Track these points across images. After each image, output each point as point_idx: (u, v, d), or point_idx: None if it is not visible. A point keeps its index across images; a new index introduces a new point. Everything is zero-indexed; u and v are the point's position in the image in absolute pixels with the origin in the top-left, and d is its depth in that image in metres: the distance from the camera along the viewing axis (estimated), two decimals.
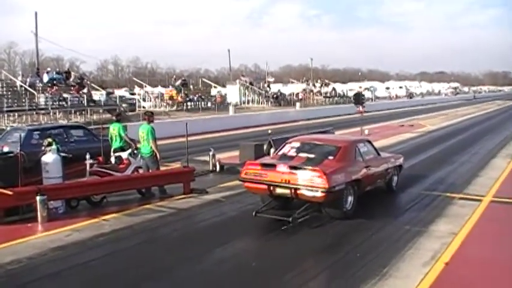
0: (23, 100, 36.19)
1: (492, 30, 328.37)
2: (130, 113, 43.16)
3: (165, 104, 51.58)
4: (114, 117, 16.77)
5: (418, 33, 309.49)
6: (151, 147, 14.23)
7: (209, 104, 54.67)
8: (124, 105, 46.61)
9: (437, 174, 17.30)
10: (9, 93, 37.64)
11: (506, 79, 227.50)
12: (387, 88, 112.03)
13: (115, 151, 15.49)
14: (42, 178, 12.51)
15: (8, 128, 23.18)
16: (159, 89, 57.71)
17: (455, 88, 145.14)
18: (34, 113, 35.73)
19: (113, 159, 15.05)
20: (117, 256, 9.40)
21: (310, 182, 10.66)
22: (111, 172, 13.87)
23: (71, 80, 42.56)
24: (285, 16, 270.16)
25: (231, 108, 49.96)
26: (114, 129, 15.88)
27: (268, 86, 69.50)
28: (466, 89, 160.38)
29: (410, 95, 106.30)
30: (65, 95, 38.20)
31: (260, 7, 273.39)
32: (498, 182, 15.89)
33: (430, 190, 14.64)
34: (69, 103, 37.64)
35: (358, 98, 31.53)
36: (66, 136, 17.64)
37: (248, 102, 61.77)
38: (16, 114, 35.16)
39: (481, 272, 8.48)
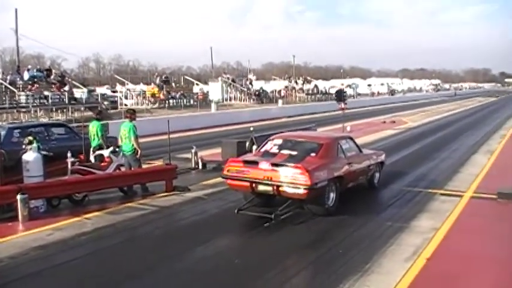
0: (3, 98, 35.78)
1: (473, 27, 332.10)
2: (112, 111, 42.91)
3: (147, 102, 51.32)
4: (94, 115, 16.64)
5: (399, 30, 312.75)
6: (133, 145, 14.18)
7: (191, 102, 54.46)
8: (106, 103, 46.28)
9: (418, 170, 17.42)
10: None
11: (487, 76, 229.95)
12: (369, 85, 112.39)
13: (94, 150, 15.51)
14: (23, 177, 12.43)
15: None
16: (141, 87, 57.39)
17: (436, 85, 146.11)
18: (15, 111, 35.32)
19: (92, 158, 15.01)
20: (99, 255, 9.36)
21: (292, 179, 10.68)
22: (92, 170, 13.79)
23: (52, 77, 42.16)
24: (268, 13, 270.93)
25: (213, 105, 49.83)
26: (93, 127, 15.97)
27: (251, 83, 69.41)
28: (447, 86, 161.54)
29: (391, 92, 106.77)
30: (46, 93, 37.82)
31: (243, 4, 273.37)
32: (478, 178, 16.03)
33: (412, 186, 14.73)
34: (50, 101, 37.27)
35: (340, 95, 31.49)
36: (47, 134, 17.51)
37: (230, 100, 61.63)
38: None
39: (462, 267, 8.56)
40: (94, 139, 15.88)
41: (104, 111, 17.15)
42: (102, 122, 16.30)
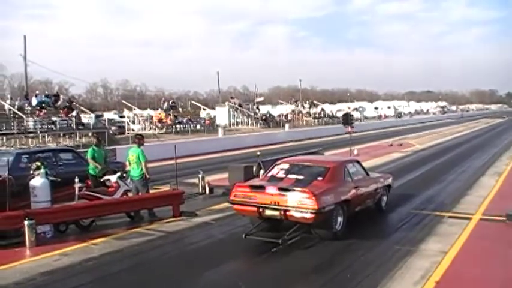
0: (12, 123, 36.04)
1: (477, 48, 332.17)
2: (119, 136, 43.11)
3: (154, 127, 51.54)
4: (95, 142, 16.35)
5: (406, 53, 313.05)
6: (141, 170, 14.22)
7: (198, 126, 54.71)
8: (113, 128, 46.55)
9: (426, 193, 17.35)
10: None
11: (493, 97, 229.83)
12: (376, 108, 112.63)
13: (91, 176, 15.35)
14: (30, 202, 12.45)
15: None
16: (148, 112, 57.77)
17: (443, 107, 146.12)
18: (23, 136, 35.56)
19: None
20: (106, 281, 9.32)
21: (299, 203, 10.66)
22: (100, 196, 13.80)
23: (60, 103, 42.43)
24: (273, 38, 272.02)
25: (220, 130, 49.97)
26: (97, 153, 15.76)
27: (257, 107, 69.68)
28: (453, 107, 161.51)
29: (398, 115, 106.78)
30: (53, 118, 38.10)
31: (248, 29, 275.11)
32: (487, 200, 15.95)
33: (420, 209, 14.67)
34: (58, 126, 37.51)
35: (347, 119, 31.57)
36: (55, 160, 17.53)
37: (237, 124, 61.86)
38: (4, 137, 34.93)
39: None
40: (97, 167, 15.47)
41: (100, 138, 16.74)
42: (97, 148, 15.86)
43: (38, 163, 13.64)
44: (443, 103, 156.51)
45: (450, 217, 13.65)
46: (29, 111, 38.51)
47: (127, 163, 14.81)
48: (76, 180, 14.01)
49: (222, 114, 61.96)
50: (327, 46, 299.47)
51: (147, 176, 14.41)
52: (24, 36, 52.07)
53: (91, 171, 15.39)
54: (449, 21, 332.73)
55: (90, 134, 39.88)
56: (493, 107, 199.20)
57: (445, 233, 12.06)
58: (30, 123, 36.69)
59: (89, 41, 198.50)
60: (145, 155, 14.28)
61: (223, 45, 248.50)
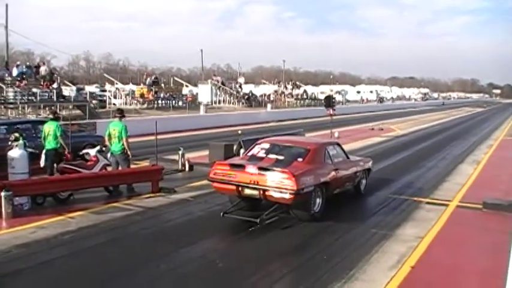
0: None
1: (461, 38, 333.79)
2: (100, 110, 42.77)
3: (135, 102, 51.16)
4: (50, 115, 15.67)
5: (390, 39, 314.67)
6: (122, 145, 14.15)
7: (180, 103, 54.31)
8: (94, 101, 46.12)
9: (405, 178, 17.46)
10: None
11: (475, 86, 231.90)
12: (358, 92, 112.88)
13: (47, 153, 14.41)
14: (7, 173, 12.34)
15: None
16: (130, 87, 57.19)
17: (424, 94, 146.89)
18: (2, 107, 35.14)
19: (42, 162, 14.25)
20: (82, 254, 9.28)
21: (278, 184, 10.66)
22: (78, 169, 13.71)
23: (41, 72, 41.90)
24: (259, 17, 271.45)
25: (202, 107, 49.71)
26: (49, 128, 14.68)
27: (240, 86, 69.40)
28: (435, 95, 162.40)
29: (380, 100, 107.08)
30: (34, 90, 37.61)
31: (234, 7, 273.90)
32: (464, 187, 16.07)
33: (398, 194, 14.76)
34: (38, 98, 37.05)
35: (329, 101, 31.62)
36: (34, 132, 17.37)
37: (219, 102, 61.58)
38: None
39: (446, 276, 8.56)
40: (49, 140, 14.51)
41: (58, 113, 16.08)
42: (59, 123, 15.20)
43: (17, 134, 13.50)
44: (425, 90, 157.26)
45: (428, 203, 13.75)
46: (9, 82, 37.99)
47: (106, 137, 14.65)
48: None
49: (204, 92, 61.55)
50: (312, 28, 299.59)
51: (129, 153, 14.34)
52: (6, 5, 51.24)
53: (55, 146, 14.53)
54: (435, 9, 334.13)
55: (71, 107, 39.64)
56: (474, 96, 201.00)
57: (422, 218, 12.14)
58: (10, 94, 36.16)
59: (73, 13, 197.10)
60: (127, 131, 14.21)
61: (209, 22, 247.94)
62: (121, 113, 14.89)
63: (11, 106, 35.40)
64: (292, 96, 75.46)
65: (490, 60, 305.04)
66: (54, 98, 38.23)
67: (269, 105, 60.44)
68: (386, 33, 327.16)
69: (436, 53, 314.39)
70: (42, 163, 14.22)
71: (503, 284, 7.33)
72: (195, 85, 69.59)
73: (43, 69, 42.88)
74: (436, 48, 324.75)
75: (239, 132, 20.84)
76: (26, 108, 36.09)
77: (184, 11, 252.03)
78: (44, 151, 14.41)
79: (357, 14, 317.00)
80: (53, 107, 36.62)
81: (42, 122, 17.93)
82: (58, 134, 14.52)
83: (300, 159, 11.70)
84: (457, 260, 9.39)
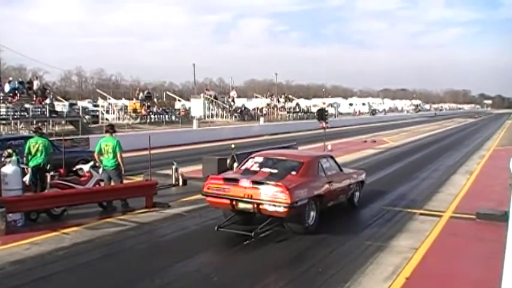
0: None
1: (453, 49, 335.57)
2: (93, 125, 42.78)
3: (128, 117, 51.19)
4: (34, 131, 15.12)
5: (382, 51, 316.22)
6: (116, 160, 14.14)
7: (173, 118, 54.47)
8: (87, 116, 46.16)
9: (398, 190, 17.50)
10: None
11: (466, 97, 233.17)
12: (350, 104, 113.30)
13: (36, 168, 13.97)
14: (1, 190, 12.31)
15: None
16: (123, 101, 57.28)
17: (416, 105, 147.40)
18: None
19: (27, 179, 13.49)
20: (77, 270, 9.25)
21: (272, 197, 10.68)
22: (72, 185, 13.68)
23: (35, 87, 41.89)
24: (252, 31, 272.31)
25: (195, 122, 49.81)
26: (37, 143, 14.23)
27: (233, 100, 69.56)
28: (427, 106, 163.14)
29: (373, 112, 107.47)
30: (26, 105, 37.63)
31: (228, 21, 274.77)
32: (458, 198, 16.14)
33: (392, 206, 14.80)
34: (31, 113, 37.06)
35: (322, 114, 31.64)
36: None
37: (212, 116, 61.74)
38: None
39: (441, 286, 8.60)
40: (36, 156, 14.08)
41: (41, 128, 15.61)
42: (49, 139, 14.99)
43: (10, 150, 13.47)
44: (417, 101, 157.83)
45: (421, 214, 13.78)
46: (1, 98, 37.98)
47: (96, 154, 14.55)
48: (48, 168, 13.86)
49: (197, 106, 61.64)
50: (305, 41, 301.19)
51: (122, 168, 14.33)
52: None
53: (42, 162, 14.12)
54: (427, 20, 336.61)
55: (63, 122, 39.61)
56: (466, 107, 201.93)
57: (416, 229, 12.17)
58: (3, 110, 36.17)
59: (66, 29, 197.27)
60: (121, 146, 14.22)
61: (201, 37, 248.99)
62: (111, 128, 14.93)
63: (3, 122, 35.39)
64: (285, 110, 75.71)
65: (482, 71, 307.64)
66: (47, 113, 38.25)
67: (262, 119, 60.59)
68: (378, 45, 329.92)
69: (427, 65, 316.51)
70: (27, 180, 13.46)
71: None
72: (188, 99, 69.72)
73: (35, 84, 42.92)
74: (428, 60, 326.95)
75: (232, 146, 20.79)
76: (18, 124, 36.04)
77: (177, 26, 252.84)
78: (30, 167, 13.91)
79: (349, 27, 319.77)
80: (45, 123, 36.61)
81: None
82: (50, 151, 14.36)
83: (293, 173, 11.72)
84: (451, 271, 9.41)
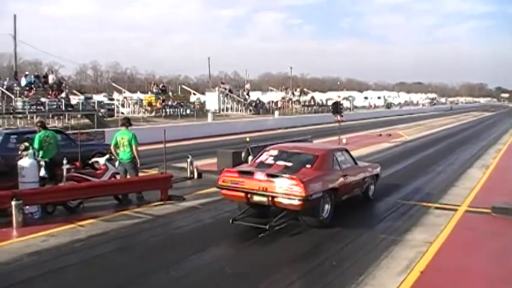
0: (0, 103, 35.80)
1: (469, 42, 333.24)
2: (108, 119, 42.95)
3: (143, 110, 51.33)
4: (38, 125, 14.80)
5: (397, 44, 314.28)
6: (131, 153, 14.21)
7: (188, 111, 54.50)
8: (102, 110, 46.34)
9: (413, 183, 17.43)
10: None
11: (483, 91, 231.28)
12: (365, 98, 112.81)
13: (50, 161, 13.98)
14: (18, 182, 12.42)
15: None
16: (138, 95, 57.43)
17: (432, 99, 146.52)
18: (11, 116, 35.36)
19: (42, 172, 13.53)
20: (92, 262, 9.34)
21: (287, 190, 10.69)
22: (88, 177, 13.78)
23: (49, 82, 42.14)
24: (267, 25, 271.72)
25: (209, 115, 49.84)
26: (49, 137, 14.31)
27: (248, 93, 69.51)
28: (443, 99, 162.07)
29: (388, 105, 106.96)
30: (42, 99, 37.86)
31: (243, 15, 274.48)
32: (473, 192, 16.04)
33: (406, 199, 14.75)
34: (46, 107, 37.28)
35: (337, 107, 31.58)
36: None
37: (227, 110, 61.71)
38: None
39: (456, 281, 8.57)
40: (49, 150, 14.15)
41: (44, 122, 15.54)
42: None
43: (27, 143, 13.58)
44: (433, 95, 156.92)
45: (436, 208, 13.73)
46: (17, 92, 38.24)
47: (112, 147, 14.64)
48: (64, 161, 13.96)
49: (212, 100, 61.64)
50: (320, 34, 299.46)
51: (138, 161, 14.39)
52: (15, 16, 51.66)
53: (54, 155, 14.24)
54: (443, 13, 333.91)
55: (79, 116, 39.80)
56: (482, 100, 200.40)
57: (431, 223, 12.14)
58: (19, 104, 36.45)
59: (81, 23, 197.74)
60: (137, 139, 14.28)
61: (216, 30, 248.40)
62: (127, 121, 14.97)
63: (20, 116, 35.61)
64: (300, 103, 75.50)
65: (498, 65, 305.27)
66: (63, 107, 38.45)
67: (276, 112, 60.48)
68: (393, 38, 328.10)
69: (443, 58, 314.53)
70: (42, 173, 13.45)
71: None
72: (203, 93, 69.70)
73: (51, 78, 43.20)
74: (443, 53, 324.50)
75: (247, 139, 20.88)
76: (34, 118, 36.23)
77: (193, 20, 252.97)
78: (44, 161, 13.87)
79: (365, 20, 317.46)
80: (61, 116, 36.81)
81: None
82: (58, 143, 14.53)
83: (308, 166, 11.72)
84: (466, 265, 9.39)
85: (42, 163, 13.69)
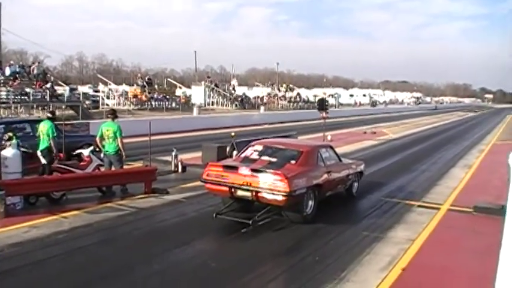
0: None
1: (455, 42, 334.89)
2: (93, 111, 42.76)
3: (129, 103, 51.11)
4: (48, 115, 15.48)
5: (383, 42, 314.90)
6: (116, 145, 14.14)
7: (173, 104, 54.36)
8: (87, 102, 46.11)
9: (397, 181, 17.55)
10: None
11: (467, 91, 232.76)
12: (351, 95, 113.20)
13: (42, 152, 14.24)
14: (0, 173, 12.34)
15: None
16: (124, 87, 57.13)
17: (417, 98, 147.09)
18: None
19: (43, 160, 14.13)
20: (75, 254, 9.30)
21: (271, 185, 10.71)
22: (72, 169, 13.72)
23: (35, 71, 41.83)
24: (254, 20, 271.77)
25: (195, 109, 49.78)
26: (44, 127, 14.55)
27: (234, 88, 69.46)
28: (428, 99, 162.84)
29: (373, 103, 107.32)
30: (27, 89, 37.58)
31: (230, 9, 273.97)
32: (456, 191, 16.19)
33: (390, 197, 14.84)
34: (31, 97, 37.02)
35: (322, 104, 31.61)
36: (31, 131, 17.41)
37: (213, 104, 61.66)
38: None
39: (437, 278, 8.64)
40: (43, 140, 14.45)
41: (55, 113, 16.14)
42: (54, 123, 14.94)
43: (10, 134, 13.50)
44: (418, 94, 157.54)
45: (419, 206, 13.83)
46: (1, 81, 37.93)
47: (97, 138, 14.57)
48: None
49: (197, 93, 61.56)
50: (306, 31, 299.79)
51: (123, 153, 14.33)
52: (0, 4, 51.16)
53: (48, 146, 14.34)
54: (430, 13, 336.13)
55: (64, 107, 39.55)
56: (467, 100, 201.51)
57: (413, 221, 12.22)
58: (3, 93, 36.12)
59: (67, 13, 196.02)
60: (122, 131, 14.22)
61: (203, 24, 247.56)
62: (113, 113, 14.89)
63: (4, 106, 35.32)
64: (286, 99, 75.60)
65: (483, 66, 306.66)
66: (48, 97, 38.19)
67: (262, 108, 60.57)
68: (380, 37, 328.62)
69: (429, 58, 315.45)
70: (43, 161, 14.11)
71: (492, 287, 7.40)
72: (189, 86, 69.52)
73: (35, 68, 42.80)
74: (429, 52, 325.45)
75: (232, 134, 20.81)
76: (18, 108, 36.01)
77: (180, 12, 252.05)
78: (38, 150, 14.26)
79: (351, 18, 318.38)
80: (46, 107, 36.59)
81: (39, 122, 17.86)
82: (50, 135, 14.28)
83: (292, 162, 11.75)
84: (447, 263, 9.46)
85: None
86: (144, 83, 56.00)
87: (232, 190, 11.22)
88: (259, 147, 12.66)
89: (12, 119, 21.02)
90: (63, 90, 43.10)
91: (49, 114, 15.45)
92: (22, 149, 13.15)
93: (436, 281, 8.53)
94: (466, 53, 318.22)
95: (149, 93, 53.40)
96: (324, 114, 30.44)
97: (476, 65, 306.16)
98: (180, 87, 68.78)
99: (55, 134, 14.43)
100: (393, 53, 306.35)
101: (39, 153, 14.23)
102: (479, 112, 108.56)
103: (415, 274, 8.76)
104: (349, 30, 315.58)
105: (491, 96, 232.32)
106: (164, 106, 52.12)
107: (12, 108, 35.42)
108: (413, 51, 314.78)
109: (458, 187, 16.92)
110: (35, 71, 42.07)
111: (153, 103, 52.02)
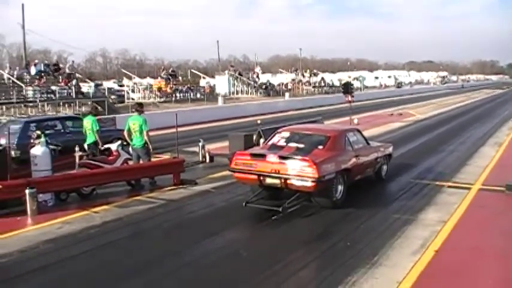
0: (11, 93, 35.90)
1: (480, 19, 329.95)
2: (119, 105, 43.01)
3: (153, 96, 51.29)
4: (91, 111, 16.31)
5: (407, 23, 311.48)
6: (143, 139, 14.19)
7: (198, 95, 54.44)
8: (112, 96, 46.39)
9: (426, 162, 17.38)
10: None
11: (494, 68, 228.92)
12: (376, 78, 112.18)
13: (89, 146, 15.34)
14: (31, 171, 12.48)
15: (4, 120, 23.17)
16: (148, 80, 57.35)
17: (443, 77, 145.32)
18: (22, 105, 35.45)
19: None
20: (107, 248, 9.39)
21: (300, 172, 10.68)
22: (100, 164, 13.82)
23: (66, 71, 42.27)
24: (276, 6, 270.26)
25: (220, 99, 49.81)
26: (87, 122, 15.58)
27: (257, 76, 69.33)
28: (454, 78, 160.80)
29: (399, 85, 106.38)
30: (53, 87, 37.94)
31: None
32: (486, 170, 15.99)
33: (419, 179, 14.72)
34: (57, 95, 37.36)
35: (347, 88, 31.36)
36: (62, 128, 17.59)
37: (237, 93, 61.60)
38: (4, 106, 34.77)
39: (470, 259, 8.56)
40: (89, 135, 15.51)
41: (97, 107, 17.00)
42: (96, 118, 15.94)
43: (39, 132, 13.67)
44: (444, 73, 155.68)
45: (450, 187, 13.69)
46: (28, 80, 38.33)
47: (125, 132, 14.69)
48: (76, 148, 14.03)
49: (221, 83, 61.61)
50: (329, 15, 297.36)
51: (150, 146, 14.39)
52: (22, 5, 51.74)
53: (94, 140, 15.42)
54: None
55: (89, 103, 39.87)
56: (494, 77, 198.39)
57: (444, 202, 12.11)
58: (30, 92, 36.54)
59: (88, 10, 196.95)
60: (147, 124, 14.27)
61: (224, 14, 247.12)
62: (140, 107, 14.96)
63: (31, 104, 35.70)
64: (310, 84, 75.27)
65: (510, 41, 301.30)
66: (73, 94, 38.51)
67: (287, 94, 60.33)
68: (403, 17, 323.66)
69: (454, 36, 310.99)
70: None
71: None
72: (212, 77, 69.58)
73: (67, 68, 43.32)
74: (454, 30, 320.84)
75: (258, 122, 20.80)
76: (45, 106, 36.36)
77: (200, 3, 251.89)
78: (85, 144, 15.39)
79: None
80: (72, 104, 36.90)
81: (69, 118, 18.18)
82: (94, 129, 15.22)
83: (320, 147, 11.70)
84: (480, 243, 9.36)
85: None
86: (168, 76, 56.10)
87: (261, 178, 11.22)
88: (286, 134, 12.62)
89: (44, 117, 21.27)
90: (88, 86, 43.41)
91: (91, 110, 16.49)
92: (51, 147, 13.28)
93: (470, 262, 8.46)
94: (491, 29, 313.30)
95: (174, 85, 53.51)
96: (350, 97, 30.25)
97: (502, 41, 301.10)
98: (204, 78, 68.82)
99: (98, 128, 15.28)
100: (417, 33, 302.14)
101: (86, 146, 15.26)
102: (506, 89, 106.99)
103: (449, 256, 8.67)
104: (372, 12, 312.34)
105: None
106: (189, 97, 52.22)
107: (39, 106, 35.75)
108: (438, 30, 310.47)
109: (489, 166, 16.72)
110: (67, 71, 42.49)
111: (177, 95, 52.13)
